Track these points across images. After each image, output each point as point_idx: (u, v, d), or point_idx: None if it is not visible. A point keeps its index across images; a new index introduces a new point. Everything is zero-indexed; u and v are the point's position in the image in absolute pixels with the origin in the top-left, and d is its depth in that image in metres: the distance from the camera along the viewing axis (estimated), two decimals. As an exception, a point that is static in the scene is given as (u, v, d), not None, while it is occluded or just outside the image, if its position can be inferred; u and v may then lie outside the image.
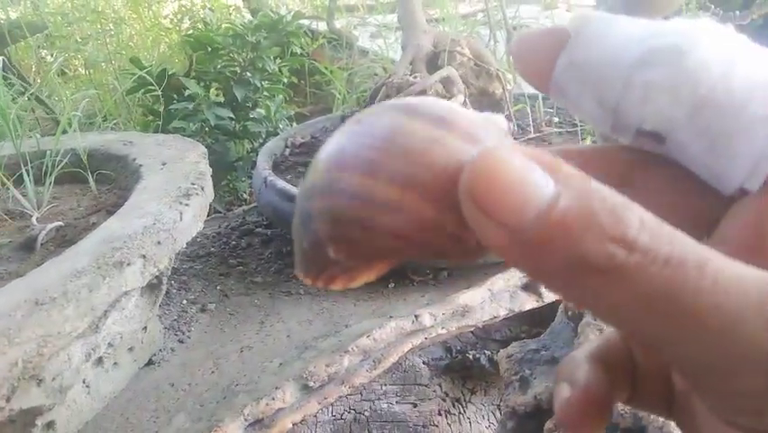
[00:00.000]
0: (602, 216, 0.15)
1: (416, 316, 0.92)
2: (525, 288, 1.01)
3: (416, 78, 1.14)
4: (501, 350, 0.66)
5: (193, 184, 0.88)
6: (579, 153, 0.23)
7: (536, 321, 1.14)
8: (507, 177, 0.16)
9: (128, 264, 0.73)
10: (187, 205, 0.83)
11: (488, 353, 1.12)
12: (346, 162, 0.19)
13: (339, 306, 1.03)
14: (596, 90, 0.21)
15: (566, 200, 0.16)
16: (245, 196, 1.89)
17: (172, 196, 0.85)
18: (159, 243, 0.76)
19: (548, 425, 0.50)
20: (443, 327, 0.94)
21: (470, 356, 1.12)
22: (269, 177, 1.15)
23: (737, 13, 1.46)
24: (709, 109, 0.19)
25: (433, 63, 1.23)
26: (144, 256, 0.74)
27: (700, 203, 0.21)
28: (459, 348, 1.16)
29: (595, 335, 0.51)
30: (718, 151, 0.19)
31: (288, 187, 1.10)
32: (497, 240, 0.16)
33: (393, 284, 1.05)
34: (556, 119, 1.35)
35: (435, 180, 0.18)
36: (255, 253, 1.22)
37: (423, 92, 1.12)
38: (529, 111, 1.29)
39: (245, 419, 0.81)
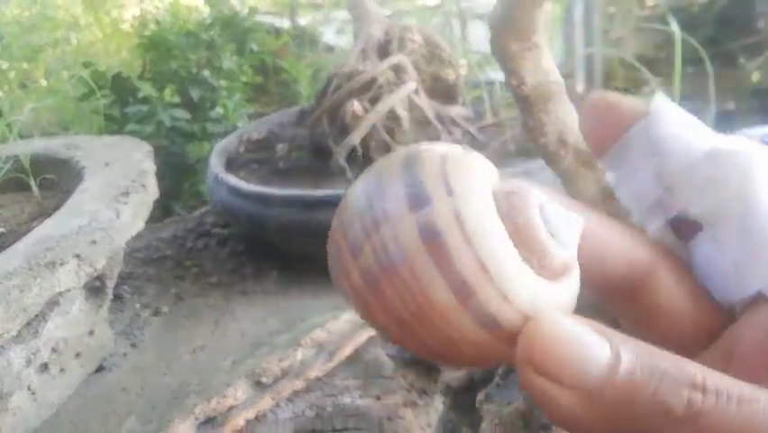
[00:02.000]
0: (669, 367, 0.17)
1: (370, 306, 0.90)
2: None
3: (364, 66, 1.13)
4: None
5: (133, 182, 0.86)
6: (608, 226, 0.24)
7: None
8: (565, 341, 0.17)
9: (61, 264, 0.70)
10: (125, 203, 0.80)
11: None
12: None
13: (296, 302, 1.01)
14: (660, 164, 0.23)
15: (629, 360, 0.17)
16: (206, 198, 1.85)
17: (110, 195, 0.82)
18: (94, 242, 0.73)
19: (480, 396, 0.49)
20: (399, 316, 0.92)
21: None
22: (219, 174, 1.13)
23: None
24: (757, 215, 0.21)
25: (384, 51, 1.21)
26: (78, 256, 0.72)
27: (705, 310, 0.23)
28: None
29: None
30: (750, 251, 0.21)
31: (240, 183, 1.08)
32: (566, 401, 0.17)
33: (351, 276, 1.03)
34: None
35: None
36: (211, 253, 1.20)
37: (372, 80, 1.11)
38: (486, 97, 1.28)
39: (196, 418, 0.78)
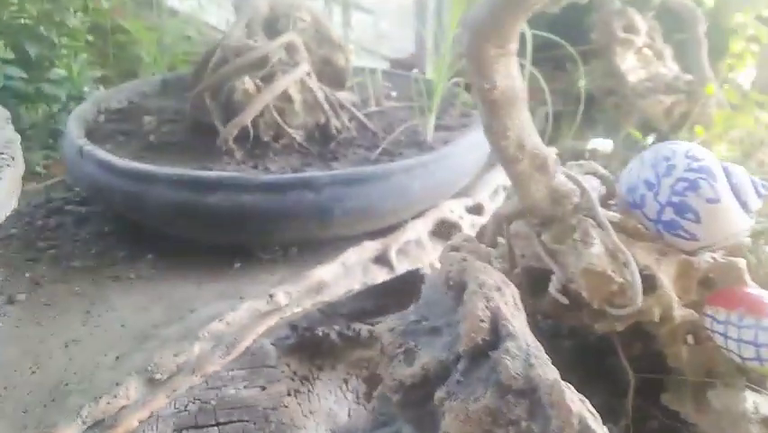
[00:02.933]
0: None
1: (270, 295, 0.87)
2: (377, 260, 1.00)
3: (255, 42, 1.07)
4: (380, 324, 0.65)
5: (1, 153, 0.74)
6: None
7: (381, 293, 1.14)
8: None
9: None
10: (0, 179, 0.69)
11: (337, 328, 1.10)
12: None
13: (179, 289, 0.93)
14: None
15: None
16: (40, 169, 1.64)
17: (-24, 166, 0.70)
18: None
19: (440, 393, 0.50)
20: (298, 305, 0.90)
21: (320, 333, 1.09)
22: (85, 146, 1.01)
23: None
24: None
25: (271, 27, 1.16)
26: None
27: None
28: (305, 326, 1.13)
29: (483, 303, 0.52)
30: None
31: (111, 158, 0.97)
32: None
33: (239, 264, 0.98)
34: (394, 93, 1.36)
35: None
36: (69, 234, 1.07)
37: (264, 57, 1.06)
38: (369, 84, 1.28)
39: (83, 422, 0.70)
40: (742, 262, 0.58)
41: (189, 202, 0.92)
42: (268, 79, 1.04)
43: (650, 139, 1.89)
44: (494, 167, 1.24)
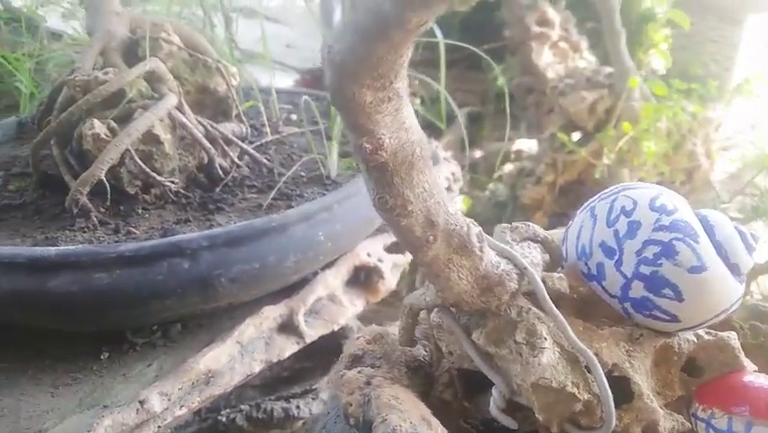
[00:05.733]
0: None
1: (140, 402, 0.68)
2: (283, 329, 0.83)
3: (106, 74, 0.87)
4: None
5: None
6: None
7: (299, 355, 0.96)
8: None
9: None
10: None
11: (245, 408, 0.92)
12: None
13: (28, 400, 0.73)
14: None
15: None
16: None
17: None
18: None
19: None
20: (181, 407, 0.71)
21: (224, 417, 0.91)
22: None
23: None
24: None
25: (132, 53, 0.97)
26: None
27: None
28: (208, 407, 0.94)
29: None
30: None
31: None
32: None
33: (107, 353, 0.78)
34: (294, 116, 1.19)
35: None
36: None
37: (119, 92, 0.86)
38: (262, 109, 1.10)
39: None
40: (734, 338, 0.44)
41: (27, 289, 0.71)
42: (123, 119, 0.85)
43: (575, 137, 1.79)
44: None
